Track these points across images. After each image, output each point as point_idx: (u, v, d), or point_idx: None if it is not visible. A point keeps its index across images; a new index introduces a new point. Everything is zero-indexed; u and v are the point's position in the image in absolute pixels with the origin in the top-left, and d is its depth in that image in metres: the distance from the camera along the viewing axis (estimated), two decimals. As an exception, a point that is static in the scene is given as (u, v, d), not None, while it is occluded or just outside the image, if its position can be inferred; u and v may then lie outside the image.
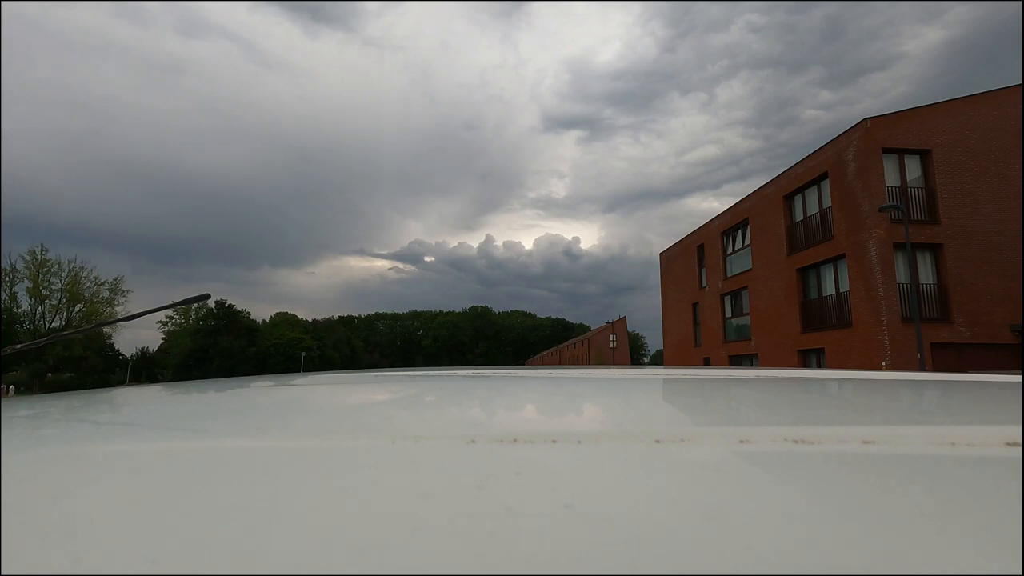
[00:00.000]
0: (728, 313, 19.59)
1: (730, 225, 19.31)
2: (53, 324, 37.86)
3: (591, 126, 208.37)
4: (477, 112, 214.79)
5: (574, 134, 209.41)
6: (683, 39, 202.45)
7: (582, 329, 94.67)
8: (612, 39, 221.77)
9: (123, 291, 40.74)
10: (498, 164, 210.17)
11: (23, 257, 37.32)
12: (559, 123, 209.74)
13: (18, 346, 1.30)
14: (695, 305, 22.03)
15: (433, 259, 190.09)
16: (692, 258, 22.21)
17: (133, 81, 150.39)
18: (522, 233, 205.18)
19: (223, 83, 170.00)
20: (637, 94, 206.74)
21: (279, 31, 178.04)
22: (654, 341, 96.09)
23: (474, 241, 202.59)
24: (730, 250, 19.58)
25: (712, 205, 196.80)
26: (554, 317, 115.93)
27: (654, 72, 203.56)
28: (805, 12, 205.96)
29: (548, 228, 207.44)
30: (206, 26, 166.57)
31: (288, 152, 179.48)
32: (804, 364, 15.10)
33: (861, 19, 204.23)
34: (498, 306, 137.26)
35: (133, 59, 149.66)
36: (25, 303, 37.64)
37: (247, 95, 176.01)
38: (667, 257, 25.15)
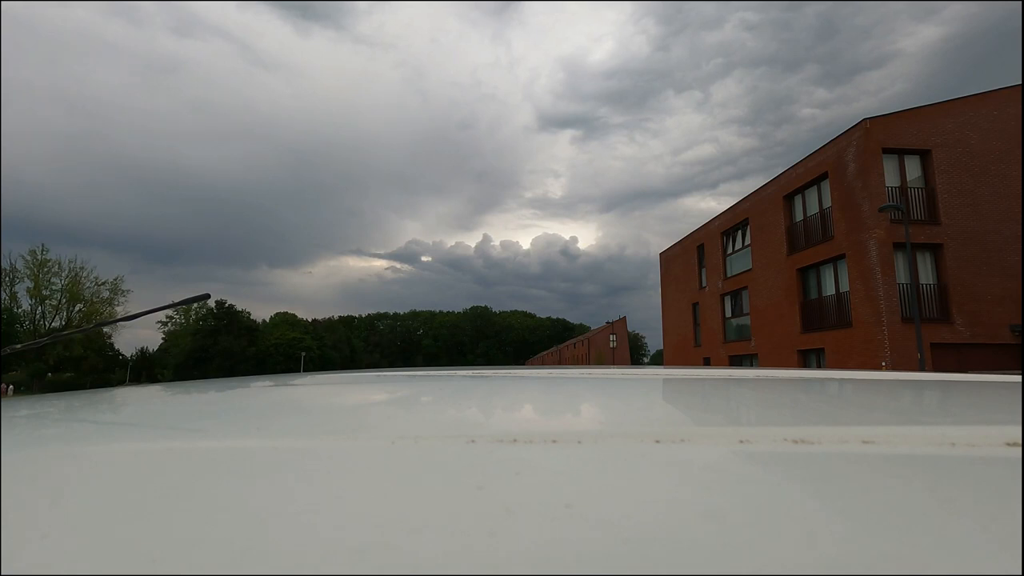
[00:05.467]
0: (728, 313, 19.58)
1: (730, 225, 19.30)
2: (53, 324, 37.87)
3: (586, 125, 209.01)
4: (471, 111, 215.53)
5: (569, 133, 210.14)
6: (676, 37, 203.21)
7: (582, 329, 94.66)
8: (604, 37, 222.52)
9: (123, 291, 40.82)
10: (494, 164, 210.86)
11: (23, 257, 37.38)
12: (554, 122, 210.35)
13: (18, 346, 1.29)
14: (695, 305, 22.01)
15: (430, 259, 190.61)
16: (692, 258, 22.20)
17: (128, 81, 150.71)
18: (519, 233, 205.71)
19: (218, 82, 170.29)
20: (631, 93, 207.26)
21: (271, 29, 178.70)
22: (654, 341, 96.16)
23: (471, 241, 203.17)
24: (730, 250, 19.57)
25: (709, 205, 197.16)
26: (554, 317, 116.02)
27: (648, 70, 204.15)
28: (799, 10, 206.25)
29: (545, 228, 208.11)
30: (199, 25, 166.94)
31: (283, 151, 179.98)
32: (804, 364, 15.09)
33: (855, 16, 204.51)
34: (496, 306, 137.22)
35: (127, 59, 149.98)
36: (25, 303, 37.67)
37: (242, 94, 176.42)
38: (667, 257, 25.14)
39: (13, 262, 36.95)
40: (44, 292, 37.71)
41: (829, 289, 14.47)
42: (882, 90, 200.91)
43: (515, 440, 0.40)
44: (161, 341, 60.61)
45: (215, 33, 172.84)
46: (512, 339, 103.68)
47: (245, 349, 56.57)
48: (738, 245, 19.05)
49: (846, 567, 0.21)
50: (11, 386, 33.65)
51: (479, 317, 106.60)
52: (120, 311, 39.55)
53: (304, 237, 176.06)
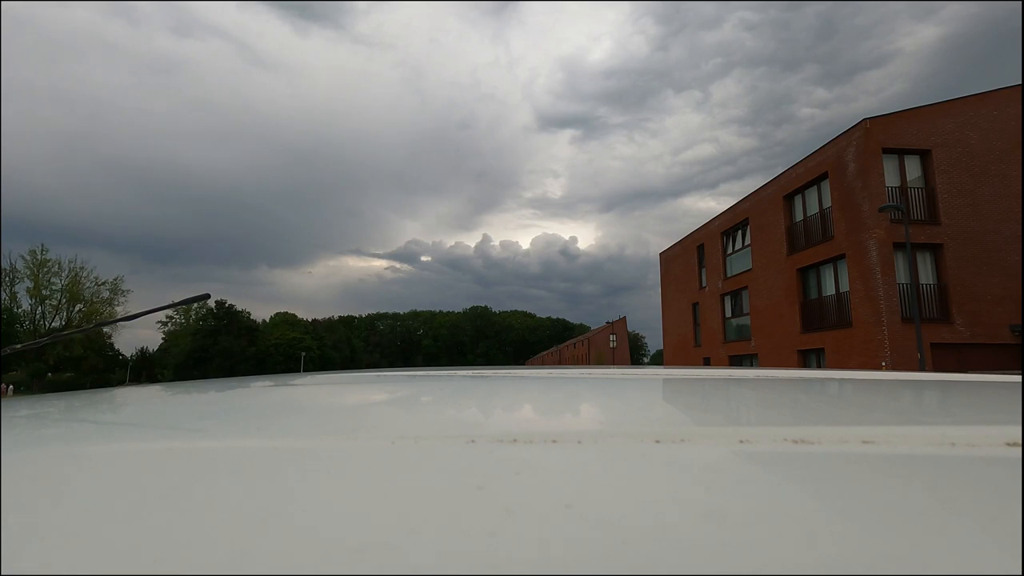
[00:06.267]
0: (728, 313, 19.58)
1: (730, 225, 19.30)
2: (53, 324, 37.89)
3: (585, 125, 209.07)
4: (470, 111, 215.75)
5: (568, 133, 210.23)
6: (675, 37, 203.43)
7: (582, 329, 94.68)
8: (603, 37, 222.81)
9: (123, 291, 40.85)
10: (493, 163, 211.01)
11: (23, 257, 37.41)
12: (553, 122, 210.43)
13: (18, 346, 1.29)
14: (695, 305, 22.01)
15: (430, 259, 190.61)
16: (692, 258, 22.20)
17: (128, 81, 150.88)
18: (519, 233, 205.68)
19: (217, 82, 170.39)
20: (630, 92, 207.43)
21: (269, 29, 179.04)
22: (654, 341, 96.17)
23: (471, 241, 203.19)
24: (730, 250, 19.57)
25: (709, 205, 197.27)
26: (554, 317, 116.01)
27: (647, 70, 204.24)
28: (798, 9, 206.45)
29: (545, 228, 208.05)
30: (198, 25, 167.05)
31: (282, 151, 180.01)
32: (804, 364, 15.09)
33: (854, 16, 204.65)
34: (496, 306, 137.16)
35: (126, 59, 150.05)
36: (25, 303, 37.69)
37: (241, 94, 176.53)
38: (667, 257, 25.13)
39: (13, 262, 37.02)
40: (44, 292, 37.74)
41: (829, 289, 14.46)
42: (882, 90, 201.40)
43: (515, 440, 0.40)
44: (161, 341, 60.66)
45: (214, 33, 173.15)
46: (512, 339, 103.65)
47: (245, 349, 56.56)
48: (738, 245, 19.05)
49: (846, 567, 0.21)
50: (11, 386, 33.65)
51: (479, 317, 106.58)
52: (120, 311, 39.58)
53: (304, 237, 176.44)
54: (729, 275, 19.31)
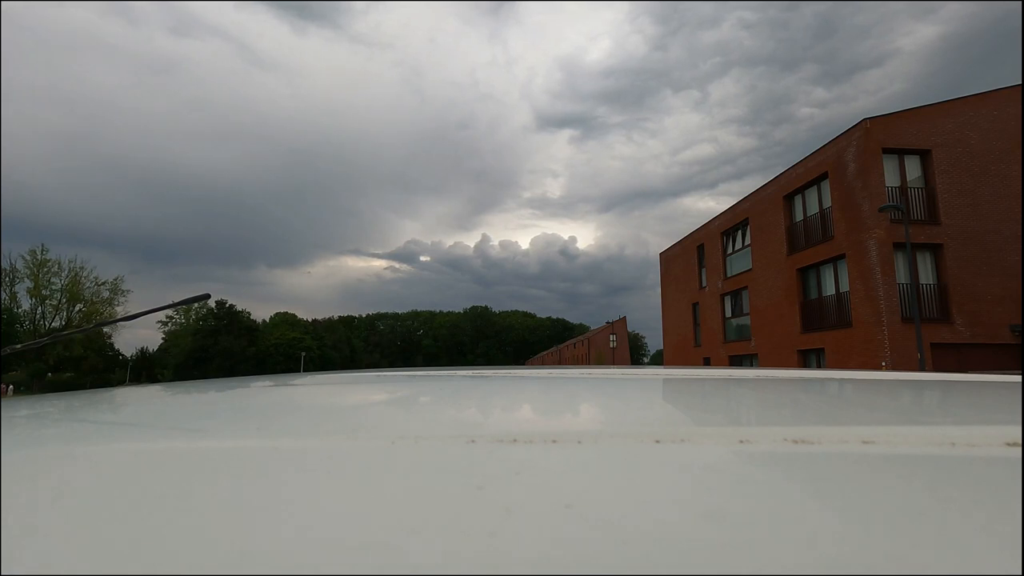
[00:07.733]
0: (728, 313, 19.58)
1: (730, 225, 19.31)
2: (53, 324, 37.90)
3: (584, 125, 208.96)
4: (469, 111, 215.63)
5: (567, 133, 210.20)
6: (673, 36, 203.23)
7: (582, 329, 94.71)
8: (601, 36, 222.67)
9: (123, 291, 40.87)
10: (492, 163, 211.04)
11: (23, 257, 37.42)
12: (552, 122, 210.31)
13: (18, 346, 1.30)
14: (695, 305, 22.01)
15: (429, 259, 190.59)
16: (692, 258, 22.20)
17: (127, 81, 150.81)
18: (518, 233, 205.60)
19: (216, 82, 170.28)
20: (629, 92, 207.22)
21: (268, 29, 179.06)
22: (654, 341, 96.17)
23: (470, 241, 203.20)
24: (730, 250, 19.57)
25: (708, 204, 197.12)
26: (554, 317, 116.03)
27: (645, 69, 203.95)
28: (796, 9, 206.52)
29: (544, 228, 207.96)
30: (196, 25, 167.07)
31: (281, 151, 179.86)
32: (804, 364, 15.09)
33: (853, 16, 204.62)
34: (496, 306, 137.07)
35: (125, 58, 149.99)
36: (25, 303, 37.71)
37: (240, 94, 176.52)
38: (667, 257, 25.14)
39: (13, 262, 37.04)
40: (44, 292, 37.76)
41: (829, 289, 14.46)
42: (881, 89, 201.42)
43: (515, 440, 0.40)
44: (161, 341, 60.65)
45: (212, 33, 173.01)
46: (512, 339, 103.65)
47: (245, 349, 56.58)
48: (738, 245, 19.05)
49: (846, 567, 0.21)
50: (11, 386, 33.65)
51: (479, 317, 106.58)
52: (120, 311, 39.61)
53: (303, 237, 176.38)
54: (729, 275, 19.31)
